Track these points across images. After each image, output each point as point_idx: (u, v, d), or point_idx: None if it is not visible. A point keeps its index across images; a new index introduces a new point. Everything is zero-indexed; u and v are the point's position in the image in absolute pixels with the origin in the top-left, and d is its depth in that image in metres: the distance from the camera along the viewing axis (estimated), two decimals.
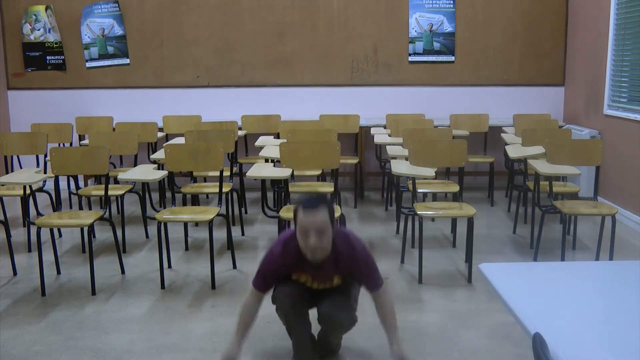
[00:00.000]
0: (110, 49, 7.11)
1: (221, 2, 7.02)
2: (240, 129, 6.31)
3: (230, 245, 4.65)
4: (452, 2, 6.99)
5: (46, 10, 7.04)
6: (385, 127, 6.46)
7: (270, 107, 6.88)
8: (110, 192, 4.69)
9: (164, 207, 5.75)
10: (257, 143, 5.56)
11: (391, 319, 2.84)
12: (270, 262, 2.85)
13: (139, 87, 7.17)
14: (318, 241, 2.62)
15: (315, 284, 2.93)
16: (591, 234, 5.19)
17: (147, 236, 5.27)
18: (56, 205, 4.84)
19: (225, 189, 4.83)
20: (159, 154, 4.92)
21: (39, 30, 7.07)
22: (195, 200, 5.28)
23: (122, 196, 5.20)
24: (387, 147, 5.39)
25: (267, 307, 3.77)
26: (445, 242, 5.11)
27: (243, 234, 5.35)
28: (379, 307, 2.86)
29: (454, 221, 5.19)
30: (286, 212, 4.16)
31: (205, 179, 5.87)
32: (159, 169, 4.98)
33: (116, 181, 5.36)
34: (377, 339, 3.37)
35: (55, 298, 4.00)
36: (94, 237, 5.26)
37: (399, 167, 4.62)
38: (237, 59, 7.11)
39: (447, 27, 7.04)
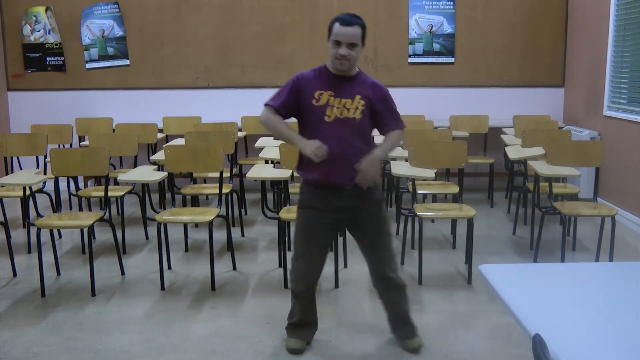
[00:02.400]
0: (110, 50, 7.11)
1: (221, 3, 7.02)
2: (240, 130, 6.31)
3: (230, 246, 4.65)
4: (452, 3, 7.00)
5: (46, 11, 7.04)
6: None
7: None
8: (110, 193, 4.69)
9: (164, 208, 5.75)
10: (257, 144, 5.56)
11: (392, 142, 3.10)
12: (293, 82, 3.02)
13: (139, 88, 7.17)
14: (347, 52, 2.87)
15: (337, 102, 2.94)
16: (591, 235, 5.19)
17: (147, 237, 5.27)
18: (56, 207, 4.84)
19: (225, 190, 4.83)
20: (159, 155, 4.92)
21: (39, 31, 7.07)
22: (195, 201, 5.28)
23: (122, 197, 5.20)
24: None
25: (267, 308, 3.77)
26: (445, 243, 5.11)
27: (243, 235, 5.35)
28: (390, 135, 3.09)
29: (453, 222, 5.19)
30: (286, 213, 4.16)
31: (205, 180, 5.87)
32: (158, 170, 4.98)
33: (116, 182, 5.36)
34: (377, 339, 3.37)
35: (55, 299, 4.00)
36: (94, 238, 5.26)
37: (399, 168, 4.62)
38: (237, 59, 7.11)
39: (447, 29, 7.04)
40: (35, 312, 3.79)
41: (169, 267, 4.55)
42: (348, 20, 2.90)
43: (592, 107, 6.38)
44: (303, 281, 3.16)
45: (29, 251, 4.93)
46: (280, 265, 4.44)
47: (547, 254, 4.75)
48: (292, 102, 3.00)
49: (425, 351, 3.24)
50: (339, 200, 3.01)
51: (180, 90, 7.16)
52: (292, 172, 4.60)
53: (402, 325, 3.27)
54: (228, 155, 5.39)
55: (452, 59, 7.10)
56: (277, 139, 3.05)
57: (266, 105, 3.04)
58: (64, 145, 6.17)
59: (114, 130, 6.43)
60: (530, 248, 4.88)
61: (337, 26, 2.90)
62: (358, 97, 2.98)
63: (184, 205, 5.17)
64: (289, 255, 4.31)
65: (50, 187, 5.29)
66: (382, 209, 3.15)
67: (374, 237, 3.11)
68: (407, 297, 3.26)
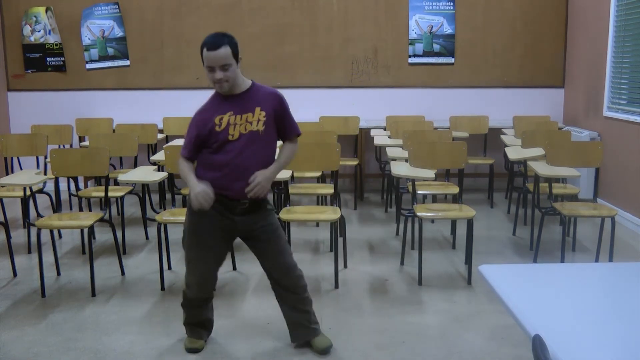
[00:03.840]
0: (111, 51, 7.12)
1: (221, 3, 7.02)
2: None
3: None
4: (452, 3, 7.00)
5: (46, 11, 7.05)
6: (385, 129, 6.47)
7: None
8: (110, 194, 4.69)
9: (164, 209, 5.74)
10: None
11: (286, 158, 3.14)
12: (193, 120, 3.06)
13: (139, 89, 7.18)
14: (223, 75, 2.91)
15: (238, 119, 2.95)
16: (591, 236, 5.19)
17: (147, 237, 5.27)
18: (56, 207, 4.84)
19: None
20: (159, 156, 4.92)
21: (39, 31, 7.07)
22: None
23: (122, 198, 5.20)
24: (387, 148, 5.40)
25: (267, 309, 3.77)
26: (445, 244, 5.12)
27: None
28: (284, 149, 3.13)
29: (453, 223, 5.19)
30: (286, 214, 4.16)
31: None
32: (159, 170, 4.98)
33: (116, 182, 5.36)
34: (377, 339, 3.37)
35: (55, 299, 4.00)
36: (94, 238, 5.26)
37: (399, 169, 4.62)
38: None
39: (447, 29, 7.04)
40: (35, 312, 3.79)
41: (169, 268, 4.55)
42: (214, 43, 2.91)
43: (592, 107, 6.38)
44: (196, 291, 3.17)
45: (29, 251, 4.93)
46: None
47: (547, 254, 4.75)
48: (201, 140, 3.01)
49: (425, 352, 3.24)
50: (232, 212, 3.02)
51: (180, 90, 7.16)
52: (292, 172, 4.61)
53: (306, 324, 3.22)
54: None
55: (452, 60, 7.11)
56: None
57: (182, 155, 3.07)
58: (64, 146, 6.18)
59: (114, 131, 6.43)
60: (530, 248, 4.88)
61: (205, 52, 2.92)
62: (258, 109, 2.99)
63: (184, 205, 5.16)
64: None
65: (50, 187, 5.29)
66: (273, 216, 3.15)
67: (273, 246, 3.10)
68: (308, 300, 3.21)
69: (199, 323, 3.29)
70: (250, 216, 3.04)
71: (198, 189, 2.89)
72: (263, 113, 2.99)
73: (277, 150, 3.17)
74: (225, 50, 2.91)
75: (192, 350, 3.23)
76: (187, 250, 3.14)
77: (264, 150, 3.02)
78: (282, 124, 3.08)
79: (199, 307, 3.25)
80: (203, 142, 3.00)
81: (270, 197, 3.14)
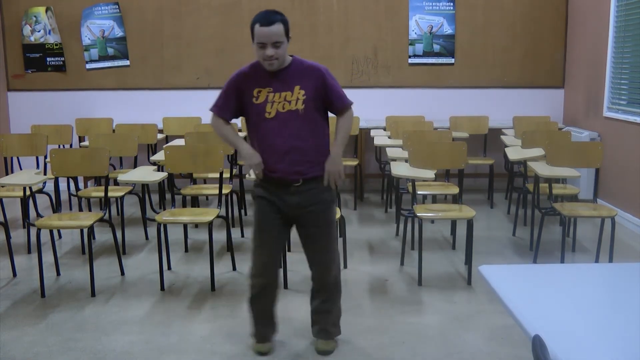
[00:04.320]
0: (111, 51, 7.11)
1: (221, 3, 7.02)
2: (240, 130, 6.31)
3: (229, 247, 4.65)
4: (452, 4, 7.00)
5: (46, 11, 7.05)
6: (385, 129, 6.46)
7: None
8: (110, 194, 4.69)
9: (164, 209, 5.75)
10: None
11: (344, 132, 3.04)
12: (232, 80, 3.02)
13: (139, 89, 7.17)
14: (274, 52, 2.84)
15: (277, 97, 2.92)
16: (591, 236, 5.19)
17: (146, 238, 5.27)
18: (56, 207, 4.84)
19: (225, 191, 4.83)
20: (159, 156, 4.92)
21: (39, 31, 7.07)
22: (195, 201, 5.28)
23: (122, 198, 5.20)
24: (386, 149, 5.40)
25: None
26: (445, 244, 5.11)
27: (243, 235, 5.34)
28: (340, 126, 3.04)
29: (453, 223, 5.19)
30: None
31: (205, 181, 5.88)
32: (158, 170, 4.98)
33: (116, 183, 5.36)
34: (377, 339, 3.37)
35: (55, 299, 4.00)
36: (94, 238, 5.26)
37: (399, 169, 4.62)
38: (237, 60, 7.05)
39: (447, 29, 7.04)
40: (35, 312, 3.79)
41: (169, 268, 4.55)
42: (267, 19, 2.85)
43: (592, 108, 6.38)
44: (259, 276, 3.11)
45: (29, 251, 4.93)
46: (280, 266, 4.43)
47: (546, 255, 4.75)
48: (235, 103, 3.00)
49: (425, 352, 3.24)
50: (287, 195, 2.99)
51: (180, 90, 7.16)
52: None
53: (322, 325, 3.22)
54: (228, 155, 5.39)
55: (452, 60, 7.11)
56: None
57: (211, 111, 3.05)
58: (64, 146, 6.17)
59: (114, 131, 6.43)
60: (530, 249, 4.88)
61: (257, 28, 2.84)
62: (297, 87, 2.93)
63: (184, 205, 5.17)
64: (289, 256, 4.33)
65: (50, 187, 5.29)
66: (332, 211, 3.10)
67: (316, 239, 3.07)
68: (336, 305, 3.21)
69: (265, 321, 3.21)
70: (303, 196, 2.98)
71: (254, 159, 2.93)
72: (302, 92, 2.92)
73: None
74: (278, 27, 2.86)
75: (262, 354, 3.18)
76: (253, 237, 3.13)
77: (306, 129, 2.94)
78: (328, 98, 2.99)
79: (265, 298, 3.17)
80: (239, 105, 2.97)
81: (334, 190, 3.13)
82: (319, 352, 3.20)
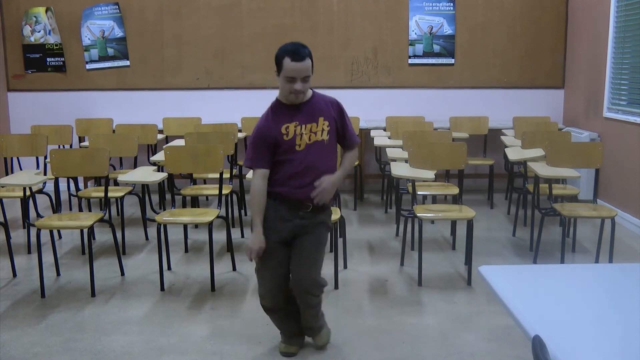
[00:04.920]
0: (111, 51, 7.12)
1: (221, 4, 7.03)
2: (240, 131, 6.32)
3: (229, 247, 4.65)
4: (452, 4, 7.00)
5: (46, 12, 7.05)
6: (385, 130, 6.46)
7: None
8: (110, 194, 4.69)
9: (164, 209, 5.75)
10: None
11: (349, 164, 3.18)
12: (258, 132, 3.00)
13: (139, 89, 7.18)
14: (302, 86, 2.90)
15: (304, 128, 2.96)
16: (591, 237, 5.19)
17: (146, 238, 5.27)
18: (56, 207, 4.84)
19: (225, 191, 4.83)
20: (159, 156, 4.92)
21: (39, 32, 7.07)
22: (194, 202, 5.28)
23: (122, 198, 5.20)
24: (386, 149, 5.39)
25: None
26: (445, 245, 5.11)
27: (243, 236, 5.34)
28: (347, 157, 3.18)
29: (453, 223, 5.19)
30: None
31: (205, 181, 5.88)
32: (158, 170, 4.98)
33: (116, 183, 5.36)
34: (377, 339, 3.37)
35: (55, 300, 4.00)
36: (94, 238, 5.26)
37: (399, 170, 4.62)
38: (237, 61, 7.11)
39: (447, 30, 7.05)
40: (35, 312, 3.79)
41: (169, 268, 4.55)
42: (299, 54, 2.86)
43: (592, 108, 6.38)
44: (265, 299, 3.13)
45: (29, 252, 4.93)
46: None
47: (546, 255, 4.75)
48: (267, 151, 2.99)
49: (425, 352, 3.24)
50: (294, 219, 3.02)
51: (180, 91, 7.16)
52: None
53: (308, 324, 3.23)
54: (228, 156, 5.39)
55: (452, 60, 7.11)
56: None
57: (255, 169, 3.01)
58: (64, 146, 6.18)
59: (114, 131, 6.43)
60: (530, 249, 4.88)
61: (288, 62, 2.87)
62: (321, 119, 3.01)
63: (184, 206, 5.17)
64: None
65: (50, 187, 5.29)
66: (326, 234, 3.16)
67: (308, 251, 3.08)
68: (317, 311, 3.21)
69: (289, 333, 3.25)
70: (308, 220, 3.04)
71: (257, 246, 2.97)
72: (326, 123, 3.02)
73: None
74: (308, 62, 2.90)
75: (286, 354, 3.19)
76: (256, 261, 3.12)
77: (328, 159, 3.06)
78: (342, 133, 3.11)
79: (279, 315, 3.20)
80: (270, 151, 2.98)
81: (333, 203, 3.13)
82: (318, 347, 3.26)
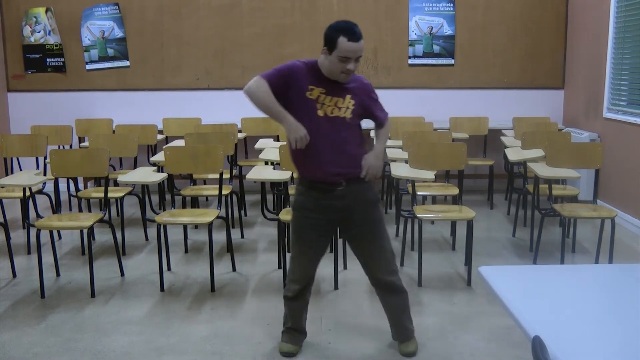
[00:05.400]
0: (111, 51, 7.12)
1: (221, 4, 7.03)
2: (240, 131, 6.31)
3: (229, 247, 4.65)
4: (452, 5, 7.01)
5: (46, 12, 7.05)
6: None
7: None
8: (110, 195, 4.69)
9: (164, 210, 5.75)
10: (257, 146, 5.56)
11: (385, 137, 3.15)
12: (290, 64, 2.94)
13: (139, 90, 7.18)
14: (354, 66, 2.85)
15: (328, 100, 2.91)
16: (591, 237, 5.19)
17: (146, 238, 5.27)
18: (56, 208, 4.84)
19: (224, 192, 4.83)
20: (159, 156, 4.92)
21: (39, 32, 7.07)
22: (194, 202, 5.28)
23: (121, 198, 5.20)
24: (386, 149, 5.39)
25: (267, 310, 3.77)
26: (444, 245, 5.11)
27: (243, 236, 5.34)
28: (381, 132, 3.13)
29: (453, 224, 5.19)
30: (286, 215, 4.15)
31: (204, 182, 5.88)
32: (158, 171, 4.97)
33: (116, 183, 5.36)
34: (376, 341, 3.37)
35: (55, 300, 3.99)
36: (94, 239, 5.25)
37: (399, 170, 4.62)
38: (237, 61, 7.11)
39: (447, 30, 7.05)
40: (34, 313, 3.79)
41: (169, 269, 4.55)
42: (355, 34, 2.81)
43: (592, 109, 6.38)
44: (297, 283, 3.15)
45: (29, 252, 4.93)
46: (279, 267, 4.44)
47: (546, 255, 4.75)
48: (282, 86, 2.89)
49: (425, 353, 3.24)
50: (330, 200, 2.97)
51: (180, 91, 7.16)
52: (292, 173, 4.60)
53: (398, 328, 3.25)
54: (228, 156, 5.39)
55: (452, 61, 7.11)
56: (262, 111, 2.92)
57: (260, 76, 2.88)
58: (63, 146, 6.18)
59: (113, 132, 6.43)
60: (530, 250, 4.88)
61: (344, 42, 2.80)
62: (349, 96, 2.95)
63: (184, 206, 5.17)
64: (289, 256, 4.32)
65: (50, 188, 5.29)
66: (378, 209, 3.09)
67: (367, 240, 3.06)
68: (404, 301, 3.22)
69: (296, 327, 3.25)
70: (347, 198, 2.96)
71: (301, 132, 2.82)
72: (352, 102, 2.94)
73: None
74: (362, 42, 2.85)
75: (287, 355, 3.19)
76: (291, 246, 3.15)
77: (350, 136, 2.96)
78: (372, 112, 3.06)
79: (299, 307, 3.21)
80: (283, 92, 2.87)
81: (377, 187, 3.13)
82: (403, 354, 3.19)
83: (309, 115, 2.89)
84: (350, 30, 2.81)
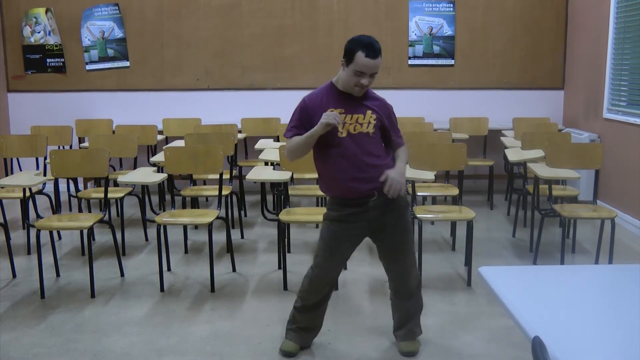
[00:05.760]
0: (111, 52, 7.12)
1: (221, 4, 7.03)
2: (240, 131, 6.32)
3: (229, 248, 4.65)
4: (451, 5, 7.01)
5: (46, 12, 7.05)
6: None
7: (270, 110, 6.87)
8: (109, 195, 4.69)
9: (164, 210, 5.75)
10: (257, 146, 5.56)
11: (405, 156, 3.13)
12: (303, 104, 2.98)
13: (138, 90, 7.18)
14: (369, 82, 2.89)
15: (349, 118, 2.93)
16: (591, 238, 5.19)
17: (146, 239, 5.27)
18: (56, 208, 4.84)
19: (224, 192, 4.83)
20: (159, 157, 4.92)
21: (39, 32, 7.07)
22: (194, 203, 5.28)
23: (121, 199, 5.20)
24: None
25: (266, 311, 3.77)
26: (444, 246, 5.11)
27: (242, 237, 5.34)
28: (399, 151, 3.11)
29: (453, 224, 5.19)
30: (286, 215, 4.16)
31: (204, 182, 5.88)
32: (158, 171, 4.97)
33: (116, 184, 5.35)
34: (376, 341, 3.37)
35: (55, 300, 3.99)
36: (94, 239, 5.25)
37: None
38: (237, 61, 7.11)
39: (447, 31, 7.05)
40: (34, 313, 3.79)
41: (169, 269, 4.55)
42: (374, 51, 2.85)
43: (592, 109, 6.39)
44: (316, 293, 3.13)
45: (29, 252, 4.93)
46: (279, 267, 4.44)
47: (546, 256, 4.75)
48: (307, 125, 2.96)
49: (425, 353, 3.24)
50: (365, 213, 2.99)
51: (180, 91, 7.16)
52: (292, 174, 4.61)
53: (404, 329, 3.25)
54: (228, 157, 5.39)
55: (452, 61, 7.11)
56: (305, 152, 3.06)
57: (291, 135, 3.01)
58: (63, 147, 6.17)
59: (113, 132, 6.43)
60: (530, 250, 4.88)
61: (361, 57, 2.84)
62: (369, 112, 2.97)
63: (184, 206, 5.17)
64: (289, 257, 4.33)
65: (50, 188, 5.29)
66: (408, 214, 3.12)
67: (397, 242, 3.07)
68: (418, 303, 3.24)
69: (310, 327, 3.24)
70: (381, 207, 2.98)
71: (330, 119, 2.84)
72: (374, 116, 2.98)
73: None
74: (380, 60, 2.90)
75: (287, 354, 3.18)
76: (320, 256, 3.10)
77: (375, 149, 2.98)
78: (389, 134, 3.06)
79: (316, 309, 3.20)
80: (309, 124, 2.94)
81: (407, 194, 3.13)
82: (403, 353, 3.21)
83: (331, 139, 2.94)
84: (369, 46, 2.86)
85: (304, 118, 2.98)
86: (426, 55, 7.10)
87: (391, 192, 2.90)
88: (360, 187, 2.94)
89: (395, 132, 3.10)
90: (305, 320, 3.22)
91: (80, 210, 5.30)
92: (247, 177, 4.43)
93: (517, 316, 1.68)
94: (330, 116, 2.85)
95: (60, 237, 5.33)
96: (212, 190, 5.08)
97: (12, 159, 5.46)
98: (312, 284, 3.13)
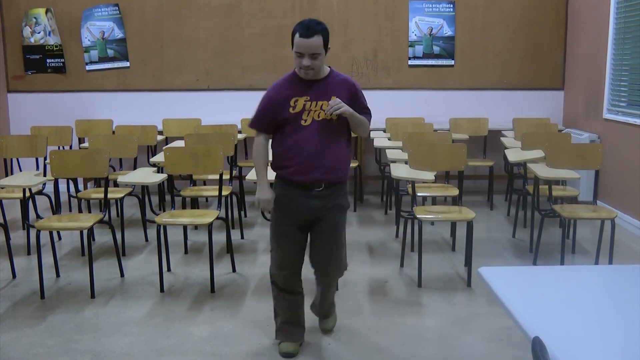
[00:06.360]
0: (111, 52, 7.12)
1: (221, 4, 7.03)
2: (240, 132, 6.31)
3: (229, 248, 4.65)
4: (451, 6, 7.01)
5: (46, 13, 7.05)
6: (384, 131, 6.46)
7: None
8: (109, 195, 4.69)
9: (164, 210, 5.75)
10: None
11: (364, 119, 3.11)
12: (266, 96, 3.05)
13: (138, 90, 7.18)
14: (310, 62, 2.89)
15: (313, 105, 2.97)
16: (591, 238, 5.19)
17: (146, 239, 5.27)
18: (56, 208, 4.84)
19: (224, 192, 4.82)
20: (159, 157, 4.92)
21: (39, 33, 7.07)
22: (194, 203, 5.28)
23: (121, 199, 5.20)
24: (386, 150, 5.39)
25: (266, 311, 3.77)
26: (444, 246, 5.11)
27: (242, 237, 5.34)
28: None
29: (453, 225, 5.19)
30: None
31: (204, 182, 5.87)
32: (158, 172, 4.97)
33: (116, 184, 5.35)
34: (376, 341, 3.37)
35: (55, 301, 3.99)
36: (94, 240, 5.25)
37: (399, 171, 4.62)
38: (237, 62, 7.11)
39: (447, 31, 7.05)
40: (34, 313, 3.79)
41: (169, 269, 4.55)
42: (308, 30, 2.87)
43: (592, 110, 6.39)
44: (282, 269, 3.16)
45: (29, 253, 4.93)
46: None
47: (546, 256, 4.75)
48: (272, 119, 3.03)
49: (424, 353, 3.24)
50: (308, 200, 3.04)
51: (180, 92, 7.16)
52: None
53: (323, 305, 3.40)
54: (228, 157, 5.39)
55: (452, 62, 7.11)
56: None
57: (251, 127, 3.11)
58: (63, 147, 6.17)
59: (113, 132, 6.43)
60: (530, 251, 4.88)
61: (297, 38, 2.89)
62: (334, 98, 2.99)
63: (184, 207, 5.17)
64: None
65: (49, 188, 5.28)
66: (344, 216, 3.20)
67: (325, 239, 3.13)
68: (336, 280, 3.41)
69: (293, 320, 3.26)
70: (322, 199, 3.05)
71: (264, 197, 3.03)
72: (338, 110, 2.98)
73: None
74: (317, 40, 2.88)
75: (287, 355, 3.18)
76: (271, 238, 3.18)
77: (336, 138, 3.03)
78: (358, 104, 3.10)
79: (290, 298, 3.22)
80: (274, 118, 3.01)
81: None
82: (324, 330, 3.41)
83: (294, 127, 2.99)
84: (304, 26, 2.89)
85: (268, 112, 3.03)
86: (426, 55, 7.10)
87: (329, 110, 2.93)
88: (310, 174, 2.98)
89: (359, 105, 3.10)
90: (285, 314, 3.25)
91: (80, 211, 5.30)
92: (247, 177, 4.43)
93: (517, 316, 1.68)
94: (262, 203, 3.05)
95: (60, 238, 5.33)
96: (212, 191, 5.08)
97: (12, 160, 5.46)
98: (275, 267, 3.17)
